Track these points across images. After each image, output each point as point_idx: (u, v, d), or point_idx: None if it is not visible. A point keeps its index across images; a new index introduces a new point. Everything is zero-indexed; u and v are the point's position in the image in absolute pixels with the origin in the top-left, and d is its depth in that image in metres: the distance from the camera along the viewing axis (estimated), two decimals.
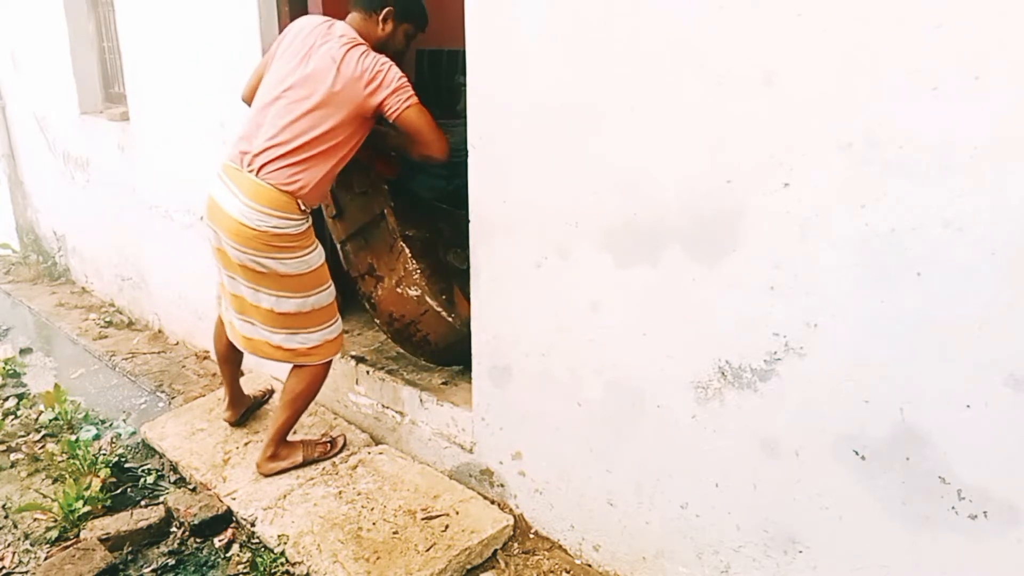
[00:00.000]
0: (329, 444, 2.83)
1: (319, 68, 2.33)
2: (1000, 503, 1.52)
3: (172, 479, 2.88)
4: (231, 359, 2.94)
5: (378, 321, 2.84)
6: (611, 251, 2.02)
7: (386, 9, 2.45)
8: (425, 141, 2.36)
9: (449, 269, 2.75)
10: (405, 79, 2.33)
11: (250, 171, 2.37)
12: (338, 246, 2.84)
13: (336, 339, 2.68)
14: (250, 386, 3.27)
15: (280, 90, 2.38)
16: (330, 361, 2.72)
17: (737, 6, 1.65)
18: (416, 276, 2.64)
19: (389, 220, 2.66)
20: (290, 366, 2.67)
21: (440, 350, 2.82)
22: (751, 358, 1.82)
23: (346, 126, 2.35)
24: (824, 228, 1.63)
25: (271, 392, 3.29)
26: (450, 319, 2.67)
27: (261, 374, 3.45)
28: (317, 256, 2.53)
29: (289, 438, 2.83)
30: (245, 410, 3.10)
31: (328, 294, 2.60)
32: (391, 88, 2.31)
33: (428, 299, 2.65)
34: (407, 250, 2.64)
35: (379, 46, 2.45)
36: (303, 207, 2.41)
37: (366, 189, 2.69)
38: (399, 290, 2.69)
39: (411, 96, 2.33)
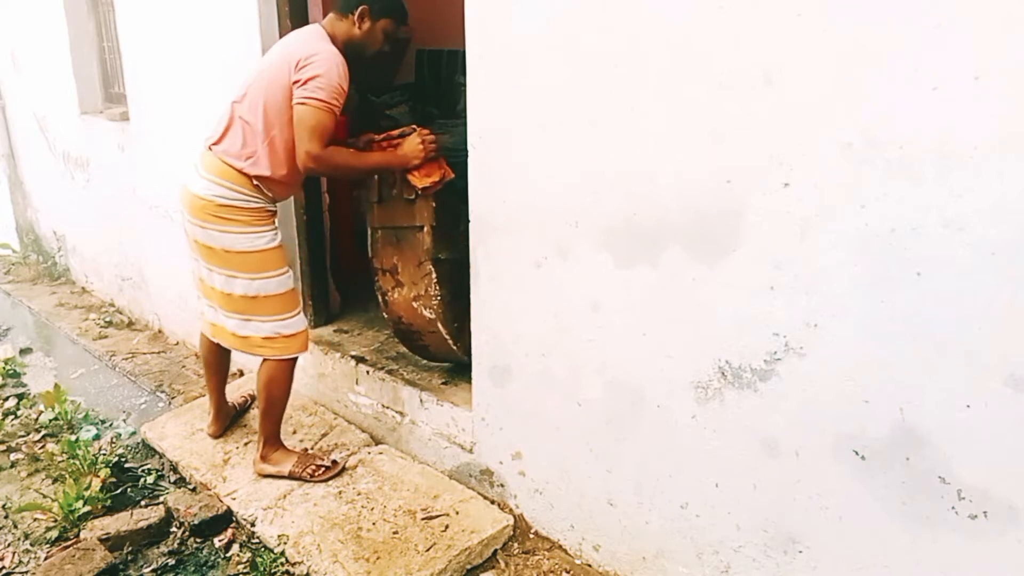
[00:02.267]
0: (325, 468, 2.70)
1: (271, 56, 2.48)
2: (1000, 503, 1.52)
3: (172, 479, 2.88)
4: (215, 366, 2.91)
5: (384, 314, 2.84)
6: (611, 251, 2.02)
7: (360, 8, 2.47)
8: (297, 139, 2.35)
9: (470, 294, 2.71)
10: (328, 82, 2.31)
11: (209, 149, 2.52)
12: (369, 230, 2.79)
13: (294, 336, 2.62)
14: (237, 391, 3.26)
15: (241, 90, 2.51)
16: (291, 361, 2.67)
17: (737, 6, 1.65)
18: (435, 302, 2.62)
19: (425, 239, 2.60)
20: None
21: (437, 358, 2.87)
22: (751, 358, 1.82)
23: (284, 108, 2.38)
24: (824, 228, 1.63)
25: (253, 398, 3.24)
26: (455, 347, 2.70)
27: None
28: (267, 240, 2.52)
29: (290, 445, 2.84)
30: (229, 421, 3.06)
31: (279, 283, 2.56)
32: (305, 76, 2.32)
33: (439, 325, 2.66)
34: (434, 274, 2.60)
35: (357, 45, 2.48)
36: (257, 184, 2.46)
37: (413, 197, 2.57)
38: (415, 304, 2.67)
39: (316, 99, 2.30)
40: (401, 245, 2.69)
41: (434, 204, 2.56)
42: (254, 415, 3.15)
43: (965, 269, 1.47)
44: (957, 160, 1.44)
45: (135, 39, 3.77)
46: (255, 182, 2.45)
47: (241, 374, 3.54)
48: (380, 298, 2.82)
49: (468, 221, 2.56)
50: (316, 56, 2.34)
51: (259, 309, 2.55)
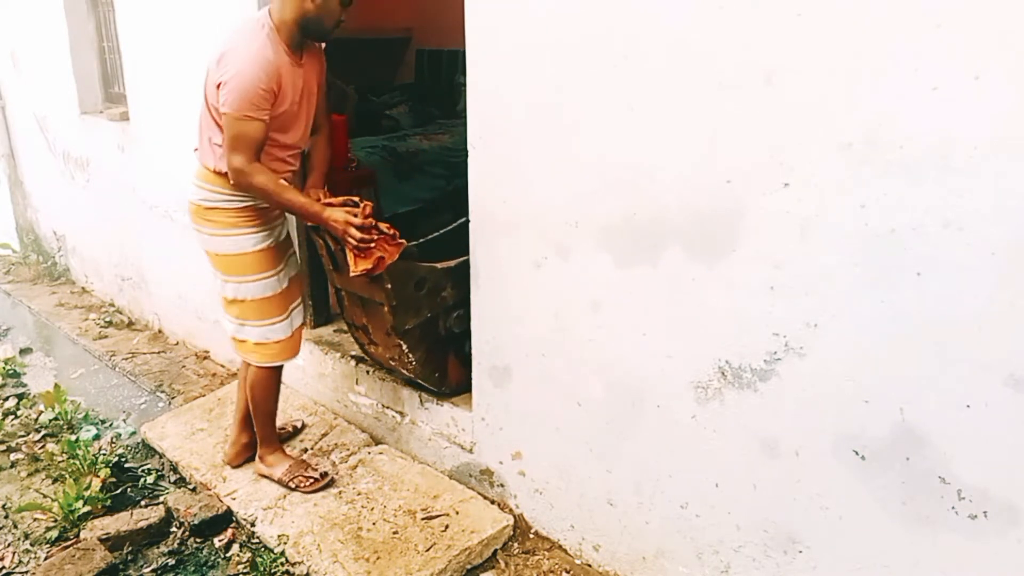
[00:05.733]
0: (313, 480, 2.64)
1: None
2: (1000, 503, 1.52)
3: (172, 479, 2.88)
4: (243, 380, 2.73)
5: (367, 356, 2.84)
6: (611, 251, 2.02)
7: None
8: (228, 148, 2.24)
9: (448, 337, 2.64)
10: (237, 87, 2.16)
11: (199, 159, 2.47)
12: (333, 288, 2.67)
13: (280, 343, 2.55)
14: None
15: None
16: (273, 369, 2.60)
17: (737, 6, 1.65)
18: (412, 365, 2.59)
19: (388, 316, 2.47)
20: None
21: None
22: (751, 358, 1.82)
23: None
24: (824, 228, 1.63)
25: (293, 429, 3.04)
26: (438, 390, 2.70)
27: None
28: (253, 242, 2.45)
29: (291, 446, 2.82)
30: (248, 456, 2.82)
31: (263, 287, 2.49)
32: (220, 80, 2.20)
33: (420, 380, 2.66)
34: (404, 345, 2.54)
35: (314, 21, 2.27)
36: (234, 185, 2.33)
37: (369, 278, 2.39)
38: (392, 363, 2.65)
39: (229, 106, 2.18)
40: (368, 310, 2.58)
41: (389, 285, 2.39)
42: None
43: (965, 269, 1.47)
44: (957, 160, 1.44)
45: (135, 39, 3.77)
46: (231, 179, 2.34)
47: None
48: (359, 347, 2.78)
49: (430, 279, 2.49)
50: (227, 57, 2.21)
51: (244, 313, 2.52)
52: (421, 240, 2.61)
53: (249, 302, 2.51)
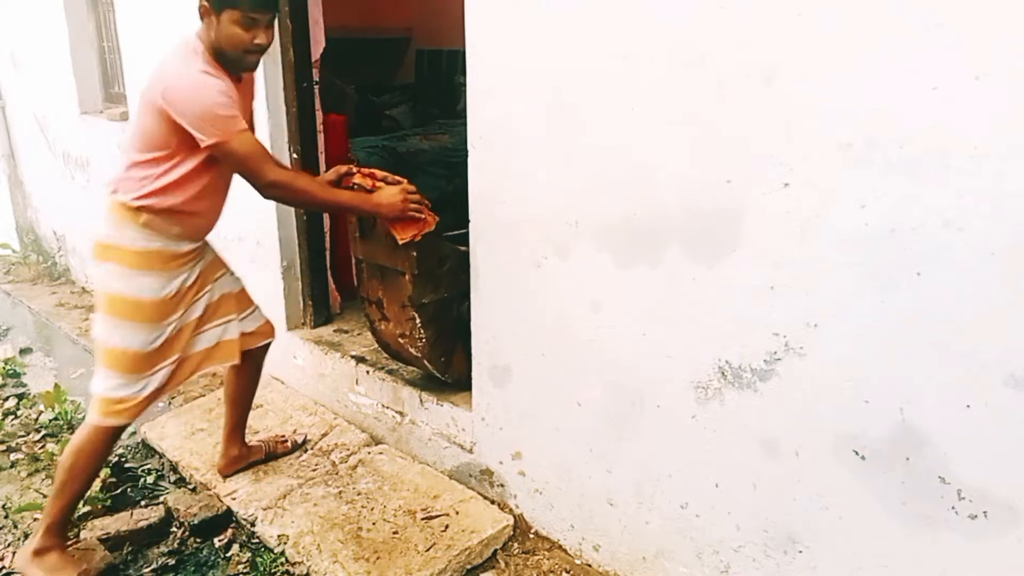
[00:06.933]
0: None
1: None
2: (1000, 503, 1.52)
3: (172, 479, 2.88)
4: (226, 394, 2.71)
5: (373, 336, 2.84)
6: (611, 251, 2.02)
7: (200, 5, 2.08)
8: (248, 172, 2.13)
9: (459, 324, 2.65)
10: (203, 113, 2.01)
11: (111, 193, 2.20)
12: (354, 259, 2.75)
13: (117, 403, 2.19)
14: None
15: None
16: (105, 431, 2.21)
17: (737, 6, 1.65)
18: (421, 343, 2.59)
19: (407, 285, 2.51)
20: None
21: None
22: (751, 358, 1.82)
23: (167, 139, 2.09)
24: (824, 228, 1.63)
25: (294, 444, 2.92)
26: (442, 377, 2.70)
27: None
28: (151, 290, 2.18)
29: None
30: (245, 465, 2.76)
31: (131, 340, 2.17)
32: (183, 117, 2.03)
33: (426, 362, 2.66)
34: (418, 319, 2.56)
35: (220, 51, 2.11)
36: (144, 224, 2.15)
37: (395, 246, 2.40)
38: (401, 340, 2.64)
39: (215, 129, 2.03)
40: (386, 282, 2.61)
41: (415, 252, 2.43)
42: (261, 413, 3.13)
43: (965, 269, 1.47)
44: (957, 160, 1.44)
45: (135, 39, 3.77)
46: (143, 220, 2.17)
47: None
48: (368, 324, 2.79)
49: (452, 258, 2.52)
50: (174, 92, 2.04)
51: (102, 358, 2.24)
52: (446, 234, 2.65)
53: (109, 351, 2.20)
